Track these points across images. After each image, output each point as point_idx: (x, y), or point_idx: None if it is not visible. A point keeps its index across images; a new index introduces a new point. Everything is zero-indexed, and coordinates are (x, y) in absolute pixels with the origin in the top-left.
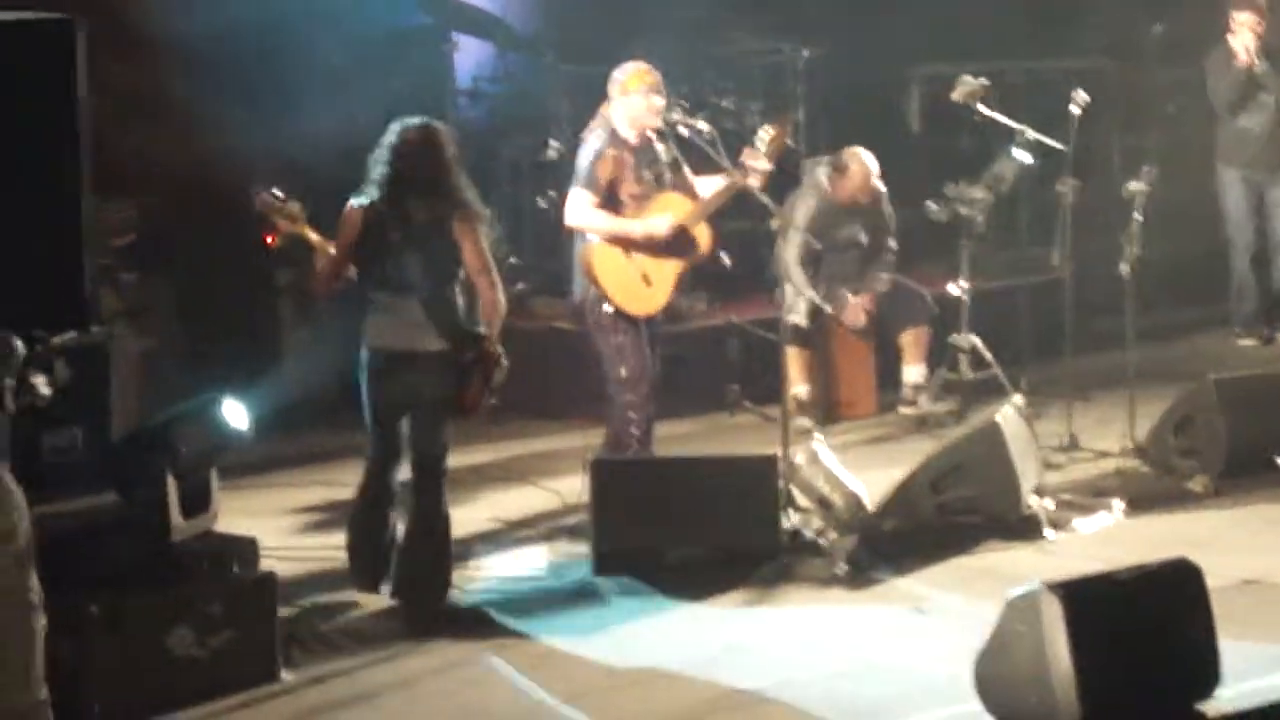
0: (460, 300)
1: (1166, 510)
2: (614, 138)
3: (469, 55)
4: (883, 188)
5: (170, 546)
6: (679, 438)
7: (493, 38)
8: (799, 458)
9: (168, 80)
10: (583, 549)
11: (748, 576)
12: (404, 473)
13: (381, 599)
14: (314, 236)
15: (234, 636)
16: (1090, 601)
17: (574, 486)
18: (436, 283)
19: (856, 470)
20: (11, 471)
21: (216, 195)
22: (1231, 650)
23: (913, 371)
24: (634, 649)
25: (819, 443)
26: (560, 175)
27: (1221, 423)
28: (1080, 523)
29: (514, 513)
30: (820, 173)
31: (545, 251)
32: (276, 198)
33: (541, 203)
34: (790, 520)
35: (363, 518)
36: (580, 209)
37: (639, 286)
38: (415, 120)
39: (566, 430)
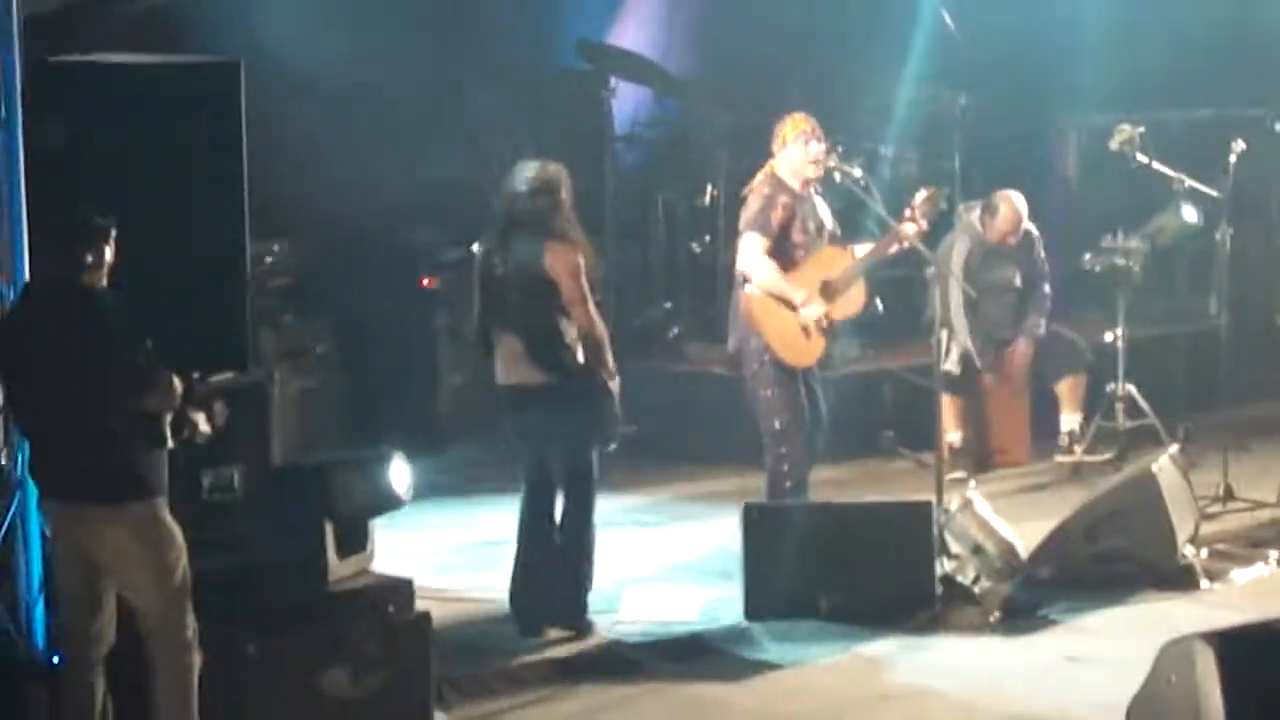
0: (572, 332)
1: None
2: (782, 186)
3: (627, 101)
4: (1035, 230)
5: (326, 586)
6: (833, 483)
7: (651, 84)
8: (953, 505)
9: (328, 124)
10: (736, 593)
11: (902, 624)
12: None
13: (535, 643)
14: None
15: (388, 677)
16: (1245, 651)
17: (728, 530)
18: (536, 317)
19: (1010, 518)
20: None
21: (374, 238)
22: None
23: (1069, 420)
24: (785, 695)
25: (973, 490)
26: (715, 221)
27: None
28: (1236, 573)
29: (667, 556)
30: (973, 216)
31: (700, 297)
32: None
33: (696, 248)
34: (944, 567)
35: (516, 554)
36: (753, 254)
37: (798, 337)
38: (531, 162)
39: (719, 474)
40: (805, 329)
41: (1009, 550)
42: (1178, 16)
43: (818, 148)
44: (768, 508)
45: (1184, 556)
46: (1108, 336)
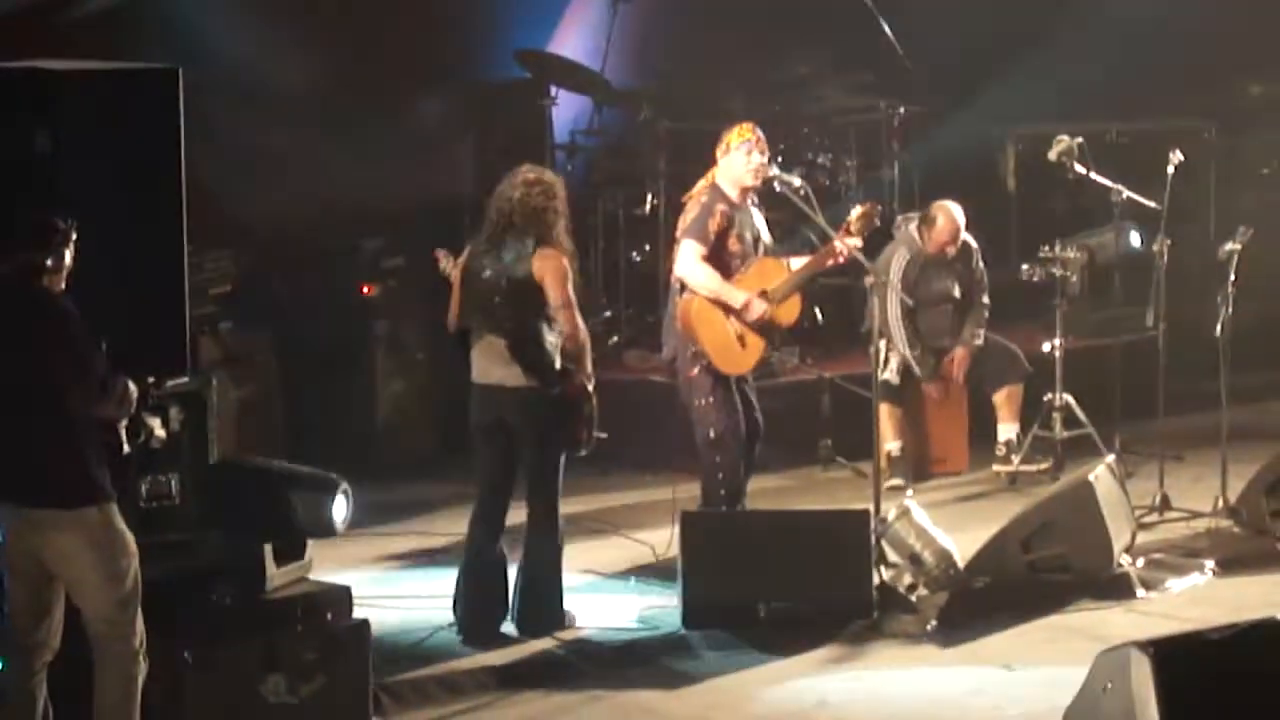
0: (552, 337)
1: (1258, 571)
2: (720, 194)
3: (567, 110)
4: (973, 242)
5: (264, 594)
6: (770, 492)
7: (590, 93)
8: (891, 514)
9: (266, 132)
10: (673, 602)
11: (838, 632)
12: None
13: (474, 650)
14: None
15: (327, 684)
16: (1180, 660)
17: (665, 539)
18: (521, 319)
19: (948, 527)
20: None
21: (314, 246)
22: None
23: (1006, 429)
24: (723, 704)
25: (911, 499)
26: (655, 229)
27: None
28: (1171, 582)
29: (605, 564)
30: (911, 228)
31: (639, 305)
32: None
33: (636, 256)
34: (882, 576)
35: (465, 556)
36: (691, 261)
37: (734, 346)
38: (529, 167)
39: (659, 483)
40: (741, 337)
41: (946, 559)
42: (1116, 28)
43: (759, 159)
44: (706, 516)
45: (1120, 566)
46: (1045, 347)
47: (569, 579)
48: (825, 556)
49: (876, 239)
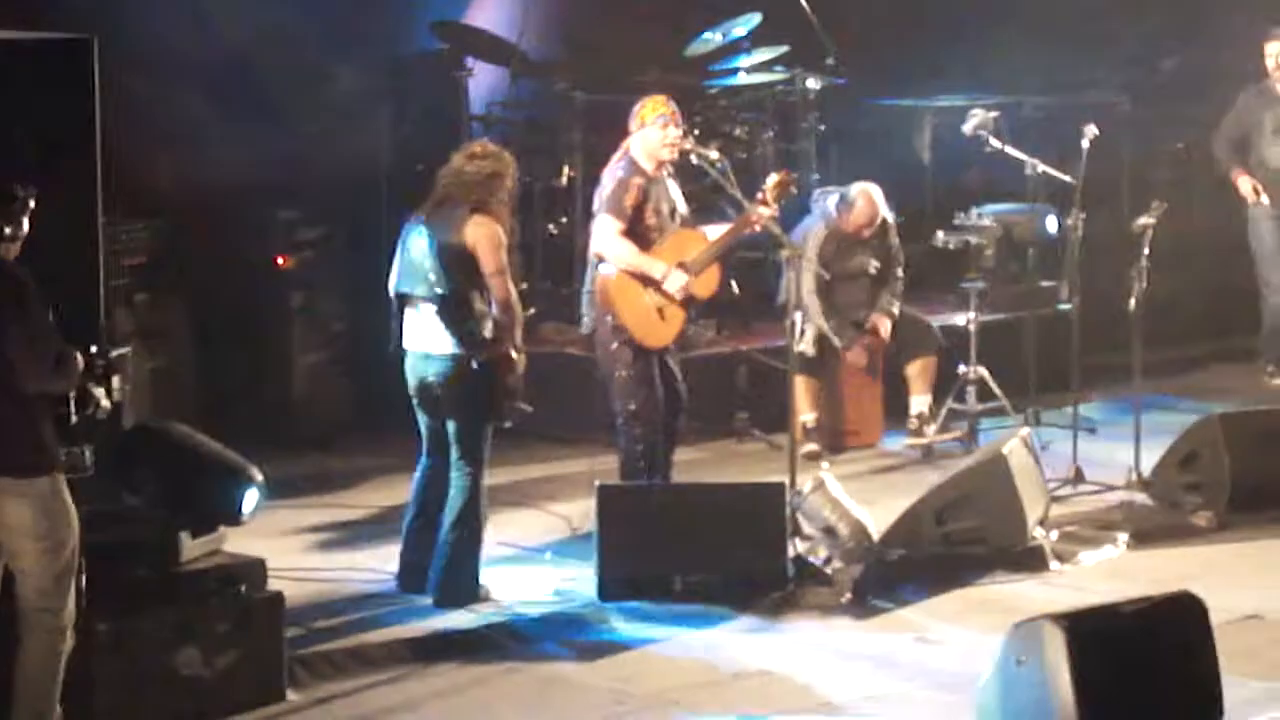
0: (482, 306)
1: (1171, 544)
2: (635, 167)
3: (483, 81)
4: (891, 217)
5: (178, 566)
6: (686, 464)
7: (507, 64)
8: (806, 486)
9: (182, 102)
10: (589, 574)
11: (753, 604)
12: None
13: (391, 621)
14: None
15: (240, 656)
16: (1093, 633)
17: (582, 511)
18: (452, 286)
19: (862, 499)
20: None
21: (230, 217)
22: (1233, 685)
23: (919, 402)
24: (639, 675)
25: (826, 471)
26: (572, 202)
27: (1226, 458)
28: (1085, 555)
29: (521, 536)
30: (829, 203)
31: (556, 277)
32: None
33: (552, 229)
34: (797, 548)
35: (409, 520)
36: (608, 236)
37: (653, 318)
38: (481, 141)
39: (575, 455)
40: (660, 310)
41: (861, 531)
42: (1032, 2)
43: (675, 132)
44: (621, 489)
45: (1034, 538)
46: (959, 320)
47: (487, 551)
48: (740, 529)
49: (794, 213)
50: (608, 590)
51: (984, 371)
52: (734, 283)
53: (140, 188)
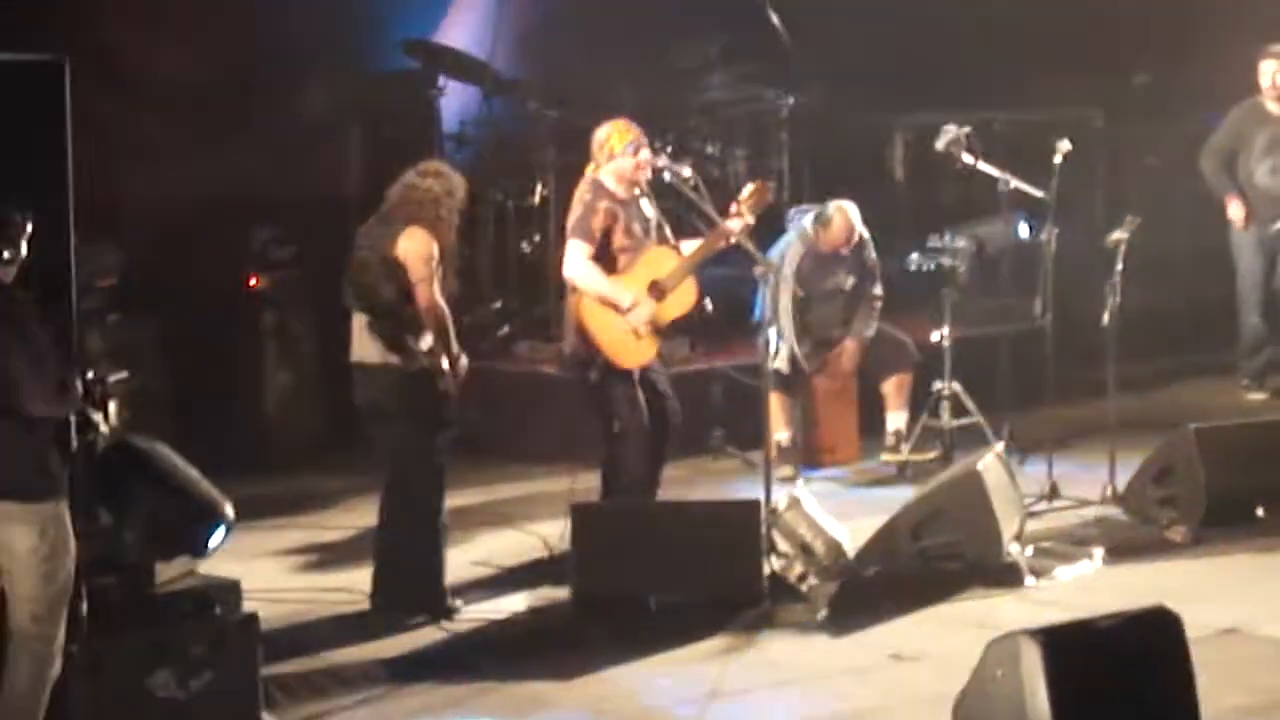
0: (411, 313)
1: (1146, 559)
2: (603, 191)
3: (455, 100)
4: (865, 233)
5: (153, 588)
6: (662, 481)
7: (479, 83)
8: (781, 503)
9: (152, 122)
10: (565, 593)
11: (729, 622)
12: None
13: (366, 642)
14: None
15: (216, 679)
16: (1069, 649)
17: (557, 530)
18: (384, 297)
19: (838, 516)
20: None
21: (201, 238)
22: (1209, 700)
23: (895, 419)
24: (615, 694)
25: (801, 488)
26: (544, 220)
27: (1201, 472)
28: (1060, 571)
29: (497, 556)
30: (805, 222)
31: (529, 296)
32: None
33: (525, 247)
34: (772, 566)
35: (376, 537)
36: (577, 261)
37: (629, 340)
38: (434, 162)
39: (549, 474)
40: (635, 330)
41: (836, 548)
42: (1005, 18)
43: (646, 154)
44: (596, 507)
45: (1009, 554)
46: (934, 336)
47: (462, 570)
48: (716, 547)
49: (770, 232)
50: (583, 609)
51: (959, 387)
52: (709, 300)
53: (112, 209)
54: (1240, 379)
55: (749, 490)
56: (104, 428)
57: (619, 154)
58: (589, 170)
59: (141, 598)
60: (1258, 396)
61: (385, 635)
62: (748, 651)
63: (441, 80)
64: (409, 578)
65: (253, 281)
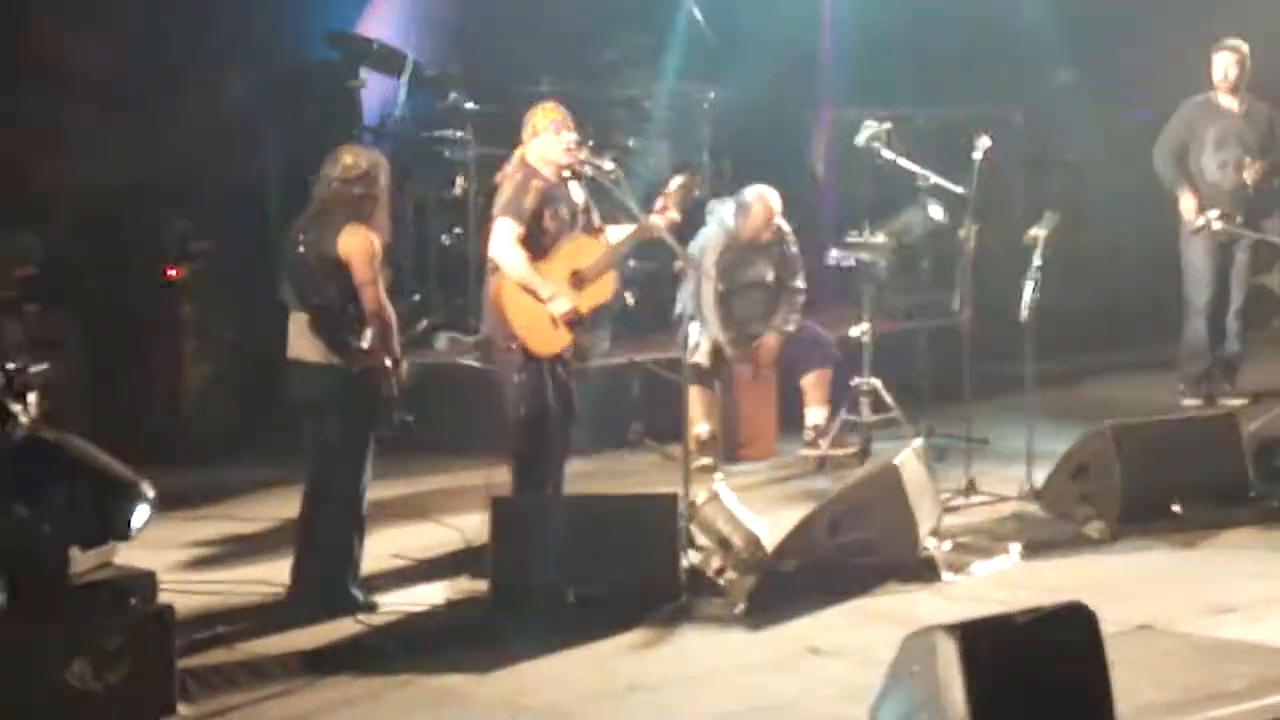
0: (353, 313)
1: (1063, 555)
2: (534, 172)
3: (375, 92)
4: (787, 226)
5: (68, 579)
6: (579, 475)
7: (399, 75)
8: (700, 497)
9: (71, 112)
10: (483, 586)
11: (647, 615)
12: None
13: (282, 634)
14: None
15: (131, 670)
16: (986, 643)
17: (475, 523)
18: (326, 296)
19: (757, 510)
20: None
21: (121, 228)
22: (1124, 695)
23: (814, 413)
24: (532, 687)
25: (720, 482)
26: (464, 213)
27: (1118, 469)
28: (977, 566)
29: (414, 549)
30: (725, 212)
31: (449, 289)
32: None
33: (446, 240)
34: (690, 559)
35: (297, 530)
36: (505, 241)
37: (546, 327)
38: (350, 148)
39: (469, 467)
40: (553, 318)
41: (754, 543)
42: (926, 14)
43: (569, 136)
44: (515, 500)
45: (926, 549)
46: (853, 331)
47: (380, 563)
48: (634, 540)
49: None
50: (501, 602)
51: (877, 383)
52: (629, 294)
53: (30, 198)
54: (1177, 383)
55: (667, 484)
56: (23, 418)
57: (541, 131)
58: (517, 153)
59: (56, 589)
60: (1192, 403)
61: (302, 627)
62: (665, 645)
63: (362, 72)
64: (327, 570)
65: (171, 273)
